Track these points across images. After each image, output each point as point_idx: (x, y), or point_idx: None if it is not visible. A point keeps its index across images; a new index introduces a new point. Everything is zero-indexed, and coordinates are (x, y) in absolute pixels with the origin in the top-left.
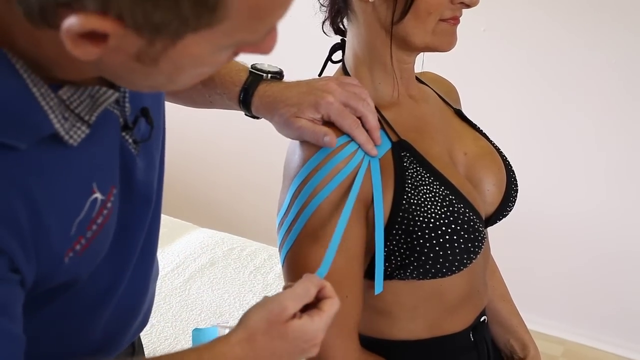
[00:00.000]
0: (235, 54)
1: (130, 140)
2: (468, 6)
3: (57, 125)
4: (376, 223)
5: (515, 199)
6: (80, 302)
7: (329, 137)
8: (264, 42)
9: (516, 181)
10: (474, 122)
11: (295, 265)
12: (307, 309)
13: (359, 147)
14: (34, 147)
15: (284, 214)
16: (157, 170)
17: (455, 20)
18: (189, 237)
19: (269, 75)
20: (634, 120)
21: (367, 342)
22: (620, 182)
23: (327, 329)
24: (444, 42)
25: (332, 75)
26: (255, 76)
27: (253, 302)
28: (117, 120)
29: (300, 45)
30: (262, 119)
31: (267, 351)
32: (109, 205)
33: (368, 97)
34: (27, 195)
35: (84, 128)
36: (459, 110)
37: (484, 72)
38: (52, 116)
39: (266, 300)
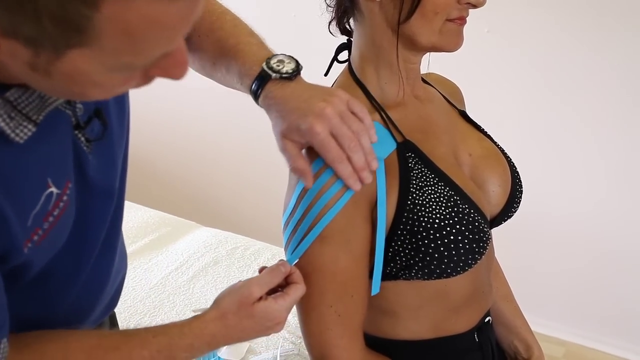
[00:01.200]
0: (148, 77)
1: (82, 139)
2: (475, 6)
3: (2, 125)
4: (378, 223)
5: (520, 200)
6: (43, 288)
7: (306, 181)
8: (170, 67)
9: (521, 182)
10: (478, 123)
11: (301, 265)
12: (277, 291)
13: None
14: None
15: (290, 214)
16: (118, 168)
17: (462, 20)
18: (192, 236)
19: (278, 75)
20: (634, 122)
21: (372, 342)
22: (620, 182)
23: (291, 310)
24: (451, 42)
25: (338, 75)
26: (266, 74)
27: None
28: (69, 119)
29: (306, 45)
30: (268, 121)
31: (236, 329)
32: (64, 198)
33: (367, 132)
34: None
35: (30, 127)
36: (463, 111)
37: (487, 73)
38: None
39: (237, 284)
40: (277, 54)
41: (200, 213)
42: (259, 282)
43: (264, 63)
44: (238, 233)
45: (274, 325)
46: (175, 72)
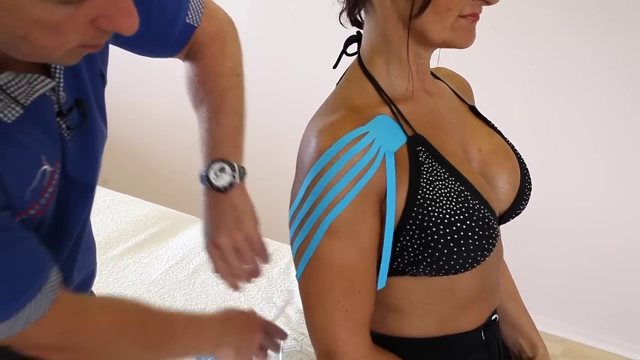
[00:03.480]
0: (97, 27)
1: (64, 126)
2: (488, 3)
3: None
4: (387, 216)
5: (529, 198)
6: None
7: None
8: (116, 17)
9: (530, 179)
10: (488, 118)
11: (309, 259)
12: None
13: (377, 142)
14: None
15: (298, 206)
16: (98, 166)
17: (475, 17)
18: (193, 230)
19: (211, 186)
20: (635, 120)
21: (378, 339)
22: (622, 180)
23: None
24: (463, 38)
25: (348, 67)
26: (202, 178)
27: (257, 296)
28: (53, 105)
29: (307, 38)
30: (269, 116)
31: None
32: (55, 176)
33: (256, 265)
34: None
35: (17, 109)
36: (473, 106)
37: (489, 69)
38: None
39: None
40: (222, 162)
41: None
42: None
43: (207, 167)
44: None
45: (254, 343)
46: (122, 24)
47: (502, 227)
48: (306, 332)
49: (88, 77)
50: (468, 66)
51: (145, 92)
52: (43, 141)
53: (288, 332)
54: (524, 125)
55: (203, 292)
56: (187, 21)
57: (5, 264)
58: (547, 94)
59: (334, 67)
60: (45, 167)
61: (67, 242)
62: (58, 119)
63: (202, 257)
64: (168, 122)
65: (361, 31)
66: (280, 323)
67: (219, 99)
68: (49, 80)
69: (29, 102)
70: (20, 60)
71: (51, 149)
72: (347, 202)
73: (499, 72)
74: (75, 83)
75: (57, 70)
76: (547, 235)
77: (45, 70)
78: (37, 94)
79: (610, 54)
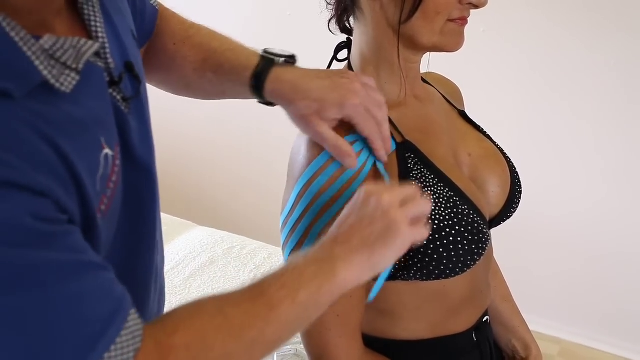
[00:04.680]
0: None
1: (119, 97)
2: (476, 7)
3: (45, 72)
4: None
5: (519, 201)
6: None
7: (352, 160)
8: None
9: (520, 183)
10: (477, 123)
11: None
12: None
13: (367, 150)
14: (28, 99)
15: (289, 212)
16: (153, 140)
17: (463, 20)
18: (188, 236)
19: (282, 59)
20: (632, 121)
21: (370, 342)
22: (618, 182)
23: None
24: (452, 42)
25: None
26: (267, 60)
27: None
28: (103, 74)
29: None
30: (264, 120)
31: (354, 228)
32: (117, 162)
33: (385, 106)
34: (49, 141)
35: (73, 75)
36: (463, 111)
37: (483, 72)
38: (37, 62)
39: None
40: (266, 47)
41: (196, 212)
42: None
43: (262, 52)
44: (234, 232)
45: (384, 215)
46: None
47: (500, 230)
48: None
49: (125, 39)
50: (462, 70)
51: None
52: (99, 119)
53: None
54: (518, 129)
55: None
56: (152, 3)
57: (71, 301)
58: (541, 97)
59: None
60: (106, 151)
61: (145, 247)
62: (110, 90)
63: (197, 262)
64: (163, 128)
65: (351, 38)
66: None
67: (207, 32)
68: (91, 42)
69: (80, 65)
70: (58, 24)
71: (108, 129)
72: (337, 208)
73: (493, 75)
74: (118, 45)
75: (100, 31)
76: (543, 237)
77: (86, 33)
78: (85, 56)
79: (605, 56)
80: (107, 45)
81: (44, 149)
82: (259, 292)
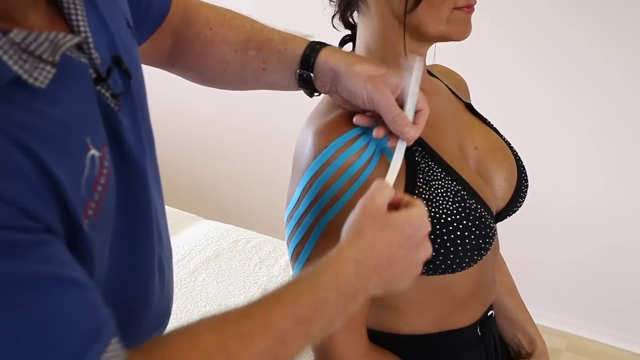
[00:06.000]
0: None
1: (107, 94)
2: None
3: (15, 67)
4: None
5: (526, 195)
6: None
7: (411, 131)
8: None
9: (526, 176)
10: (484, 116)
11: (305, 258)
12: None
13: (373, 143)
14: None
15: (294, 207)
16: (153, 135)
17: (470, 8)
18: (193, 229)
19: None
20: (634, 115)
21: (375, 336)
22: (620, 174)
23: None
24: (459, 31)
25: None
26: (318, 43)
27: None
28: (87, 70)
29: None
30: (269, 114)
31: (381, 243)
32: (106, 164)
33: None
34: (19, 145)
35: (48, 68)
36: (469, 103)
37: (489, 64)
38: (5, 57)
39: (355, 209)
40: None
41: (201, 206)
42: (376, 190)
43: (311, 51)
44: (239, 226)
45: (422, 237)
46: None
47: (504, 223)
48: None
49: (115, 29)
50: (468, 62)
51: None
52: (83, 118)
53: None
54: (524, 121)
55: (203, 291)
56: None
57: (37, 320)
58: (547, 89)
59: None
60: (92, 151)
61: (145, 246)
62: (98, 87)
63: (203, 256)
64: (169, 121)
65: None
66: None
67: (242, 16)
68: (70, 35)
69: (57, 58)
70: (35, 18)
71: (95, 128)
72: (343, 202)
73: (499, 67)
74: (106, 38)
75: (82, 24)
76: (548, 229)
77: (67, 27)
78: (62, 49)
79: (610, 49)
80: (90, 39)
81: (11, 152)
82: (270, 322)
